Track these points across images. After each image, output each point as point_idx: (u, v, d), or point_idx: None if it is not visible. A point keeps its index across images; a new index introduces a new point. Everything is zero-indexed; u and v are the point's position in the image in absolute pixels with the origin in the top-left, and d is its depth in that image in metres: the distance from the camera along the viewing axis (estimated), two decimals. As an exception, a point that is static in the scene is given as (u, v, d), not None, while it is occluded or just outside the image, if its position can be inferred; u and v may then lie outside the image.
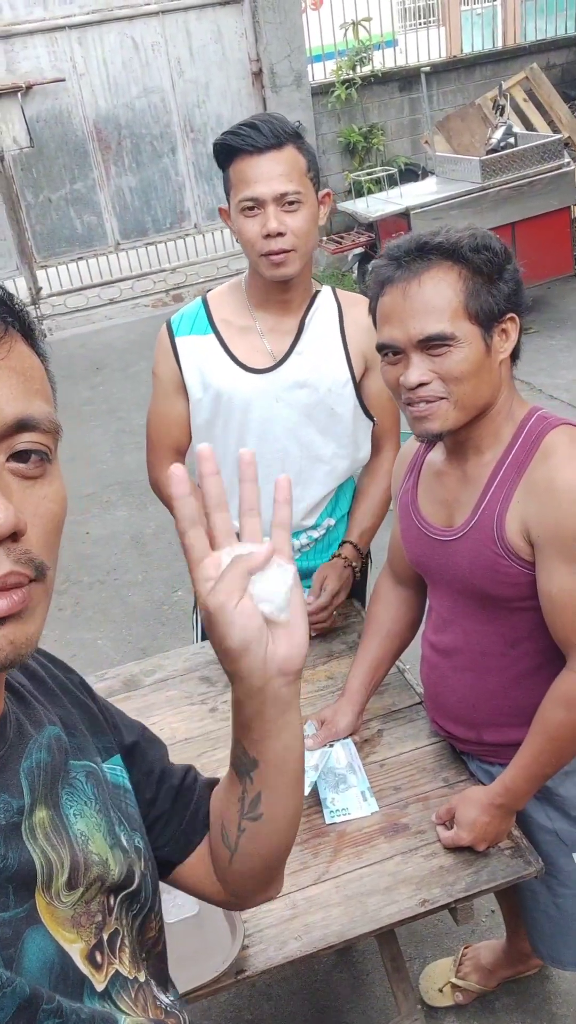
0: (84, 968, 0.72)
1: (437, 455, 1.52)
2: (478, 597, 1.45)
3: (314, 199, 1.75)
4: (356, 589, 2.07)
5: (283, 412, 1.84)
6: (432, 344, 1.30)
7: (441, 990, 2.07)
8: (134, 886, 0.80)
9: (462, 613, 1.50)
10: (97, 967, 0.74)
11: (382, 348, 1.38)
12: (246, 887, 0.92)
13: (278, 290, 1.80)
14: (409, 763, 1.64)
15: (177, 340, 1.87)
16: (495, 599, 1.42)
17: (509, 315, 1.35)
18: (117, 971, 0.76)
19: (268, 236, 1.69)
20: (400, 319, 1.32)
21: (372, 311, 1.41)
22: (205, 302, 1.90)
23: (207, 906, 1.41)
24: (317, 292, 1.89)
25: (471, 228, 1.36)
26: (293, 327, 1.85)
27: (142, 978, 0.80)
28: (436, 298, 1.29)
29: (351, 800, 1.55)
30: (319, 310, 1.87)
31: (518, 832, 1.48)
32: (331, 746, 1.63)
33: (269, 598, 0.75)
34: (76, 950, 0.72)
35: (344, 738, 1.65)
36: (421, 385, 1.32)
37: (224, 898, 0.95)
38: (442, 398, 1.33)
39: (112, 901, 0.78)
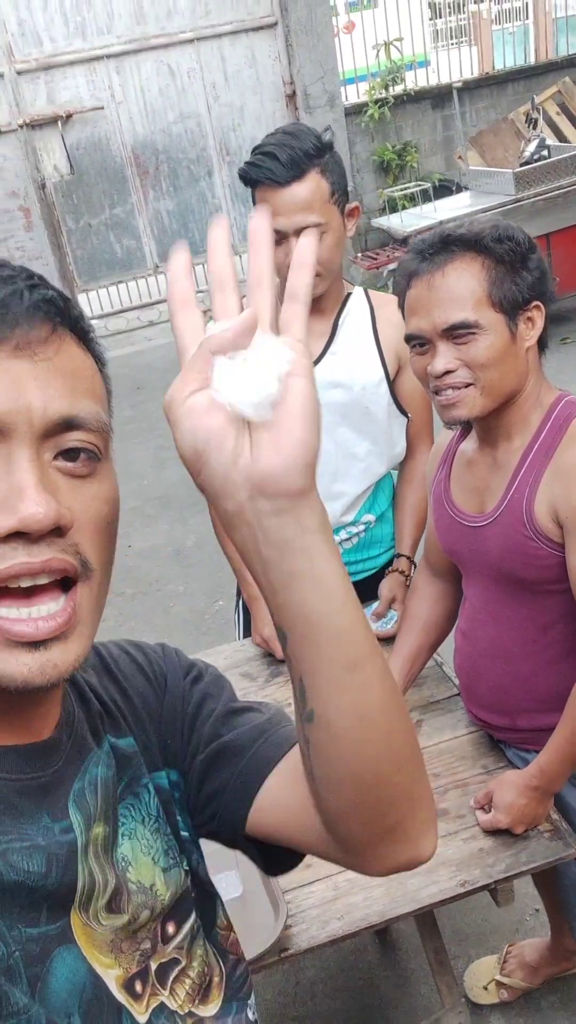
0: (120, 996, 0.68)
1: (468, 445, 1.55)
2: (509, 582, 1.46)
3: (339, 220, 1.76)
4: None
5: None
6: (457, 332, 1.34)
7: (486, 987, 2.08)
8: (187, 911, 0.75)
9: (494, 599, 1.52)
10: (136, 997, 0.69)
11: (410, 339, 1.42)
12: (353, 832, 0.70)
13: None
14: (448, 751, 1.66)
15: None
16: (525, 583, 1.44)
17: (535, 303, 1.37)
18: (163, 1003, 0.71)
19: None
20: (426, 309, 1.36)
21: (400, 306, 1.45)
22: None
23: (251, 887, 1.44)
24: (349, 294, 1.93)
25: (494, 220, 1.40)
26: (327, 329, 1.89)
27: (204, 1013, 0.74)
28: (460, 287, 1.33)
29: None
30: (352, 311, 1.91)
31: (557, 815, 1.49)
32: None
33: (241, 390, 0.57)
34: (112, 976, 0.68)
35: None
36: (448, 373, 1.35)
37: (330, 848, 0.73)
38: (469, 384, 1.36)
39: (170, 929, 0.74)
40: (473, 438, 1.53)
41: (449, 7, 10.73)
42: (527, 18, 10.42)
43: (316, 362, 1.87)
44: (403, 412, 1.96)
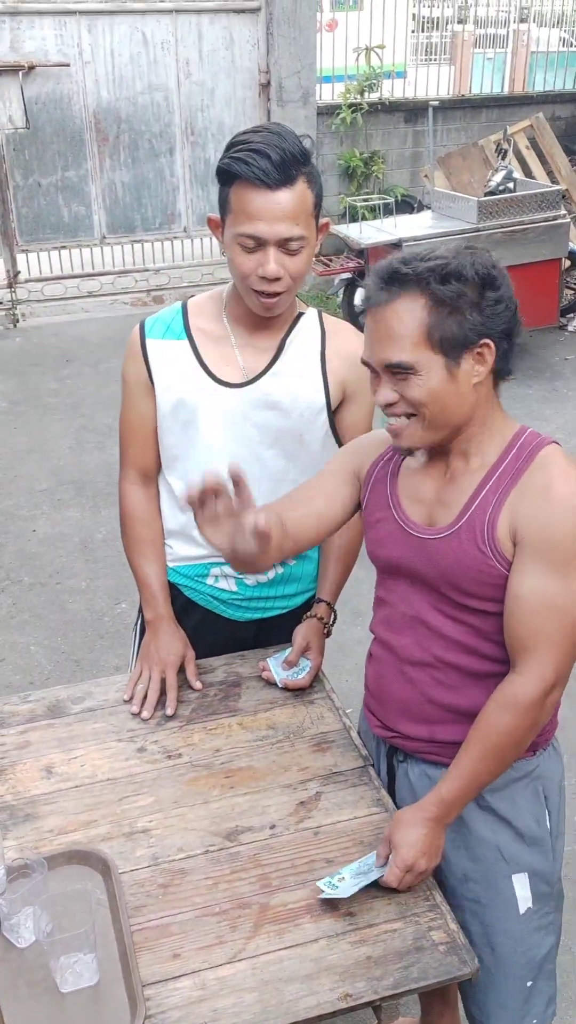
0: None
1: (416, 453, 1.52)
2: (454, 594, 1.44)
3: (315, 236, 1.65)
4: None
5: (249, 432, 1.77)
6: (395, 370, 1.36)
7: None
8: None
9: (428, 608, 1.48)
10: None
11: (365, 363, 1.43)
12: None
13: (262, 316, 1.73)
14: (345, 833, 1.52)
15: (148, 342, 1.78)
16: (472, 598, 1.42)
17: (483, 341, 1.34)
18: None
19: (263, 279, 1.60)
20: (371, 342, 1.39)
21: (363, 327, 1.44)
22: (184, 308, 1.81)
23: (109, 977, 1.28)
24: (301, 313, 1.80)
25: (456, 251, 1.36)
26: (272, 346, 1.76)
27: None
28: (399, 327, 1.34)
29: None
30: (301, 332, 1.78)
31: (455, 925, 1.36)
32: None
33: None
34: None
35: None
36: (389, 405, 1.39)
37: None
38: (411, 415, 1.38)
39: None
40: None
41: (432, 23, 10.67)
42: (506, 47, 10.45)
43: (255, 379, 1.74)
44: (340, 445, 1.83)
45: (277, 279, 1.60)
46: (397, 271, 1.34)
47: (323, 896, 1.38)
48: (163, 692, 1.82)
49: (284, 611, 1.95)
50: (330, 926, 1.36)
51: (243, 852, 1.49)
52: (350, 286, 6.37)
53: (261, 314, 1.70)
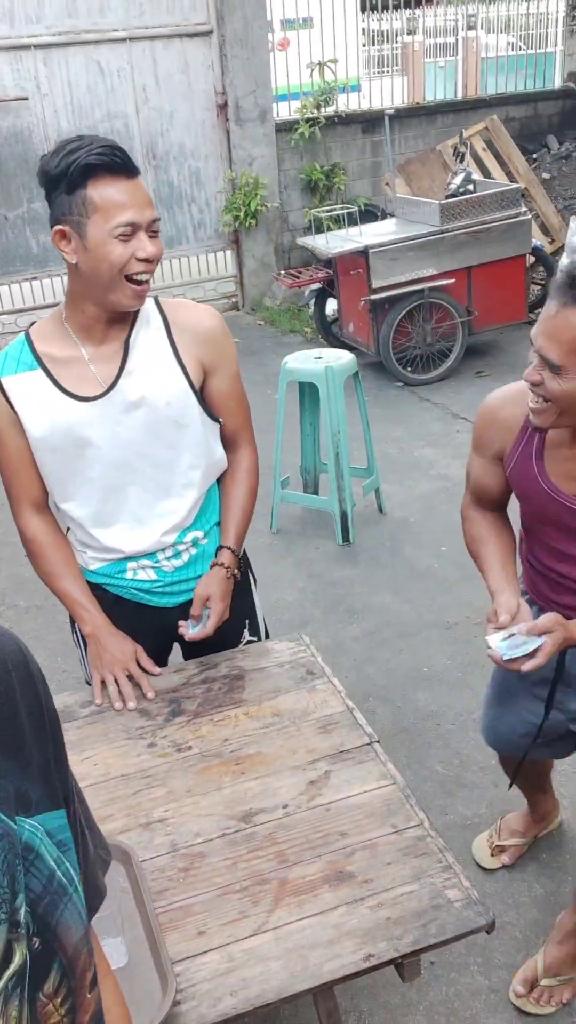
0: None
1: (558, 432, 1.68)
2: None
3: None
4: (246, 608, 2.07)
5: (126, 435, 1.80)
6: (547, 363, 1.53)
7: (492, 854, 2.43)
8: (14, 964, 0.66)
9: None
10: None
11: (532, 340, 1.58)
12: None
13: (106, 317, 1.76)
14: (356, 807, 1.56)
15: (3, 380, 1.79)
16: None
17: None
18: None
19: (143, 261, 1.66)
20: (541, 332, 1.53)
21: None
22: (28, 337, 1.82)
23: (137, 958, 1.32)
24: (138, 308, 1.81)
25: None
26: (119, 349, 1.79)
27: None
28: (564, 332, 1.49)
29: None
30: (143, 326, 1.81)
31: (468, 883, 1.41)
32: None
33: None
34: None
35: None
36: (534, 385, 1.56)
37: None
38: (549, 401, 1.56)
39: None
40: (565, 433, 1.68)
41: (382, 36, 10.85)
42: (457, 54, 10.63)
43: (112, 386, 1.78)
44: (214, 419, 1.90)
45: (153, 260, 1.67)
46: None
47: (490, 652, 1.64)
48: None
49: None
50: (348, 893, 1.40)
51: (259, 832, 1.53)
52: (320, 296, 6.46)
53: (131, 305, 1.72)
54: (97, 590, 1.96)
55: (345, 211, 5.97)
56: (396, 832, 1.51)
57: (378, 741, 1.71)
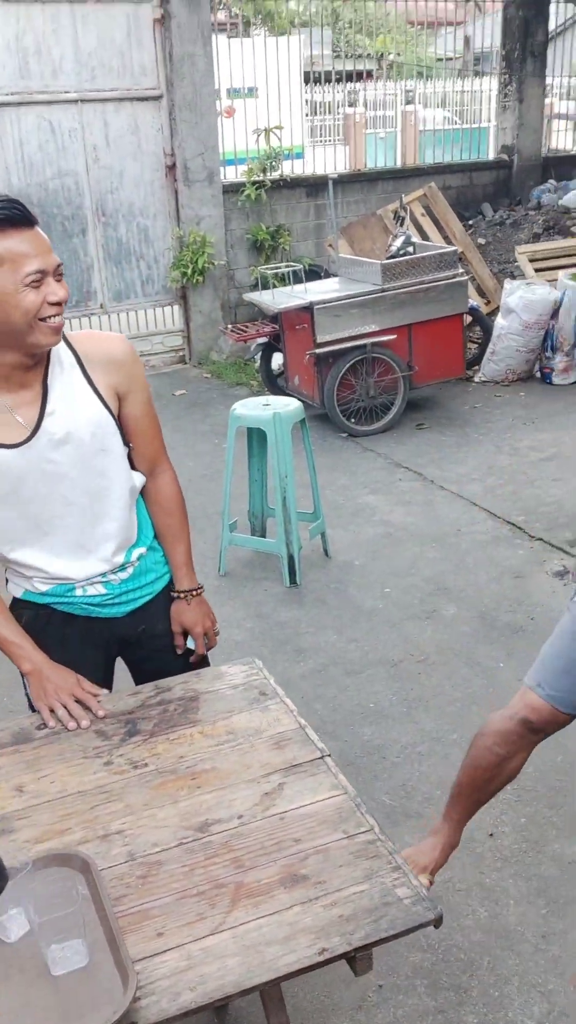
0: None
1: None
2: None
3: None
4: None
5: (59, 471, 1.86)
6: None
7: None
8: None
9: None
10: None
11: None
12: None
13: (24, 363, 1.81)
14: (309, 816, 1.62)
15: None
16: None
17: None
18: None
19: (54, 304, 1.72)
20: None
21: None
22: None
23: (97, 957, 1.35)
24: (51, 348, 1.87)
25: None
26: (37, 392, 1.85)
27: None
28: None
29: None
30: (57, 364, 1.87)
31: (417, 882, 1.48)
32: None
33: None
34: None
35: None
36: None
37: None
38: None
39: None
40: None
41: (325, 107, 11.31)
42: (396, 126, 11.13)
43: (36, 429, 1.83)
44: (126, 443, 1.96)
45: (63, 303, 1.74)
46: None
47: None
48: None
49: (152, 596, 2.09)
50: (303, 894, 1.45)
51: (215, 841, 1.58)
52: (267, 350, 6.63)
53: (50, 343, 1.77)
54: (44, 610, 2.01)
55: (290, 269, 6.18)
56: (348, 837, 1.57)
57: (329, 755, 1.78)
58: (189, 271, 7.47)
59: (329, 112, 11.25)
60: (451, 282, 6.08)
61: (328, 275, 7.27)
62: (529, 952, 2.30)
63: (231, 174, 8.06)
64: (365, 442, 5.90)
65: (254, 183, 7.80)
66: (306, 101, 10.59)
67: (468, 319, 6.55)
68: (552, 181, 9.40)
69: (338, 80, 10.32)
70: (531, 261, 7.56)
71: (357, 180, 8.68)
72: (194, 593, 2.11)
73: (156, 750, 1.83)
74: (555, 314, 6.69)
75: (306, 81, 10.16)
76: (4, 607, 1.99)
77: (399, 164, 9.65)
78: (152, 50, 7.13)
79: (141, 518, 2.06)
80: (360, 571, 4.27)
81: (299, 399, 6.06)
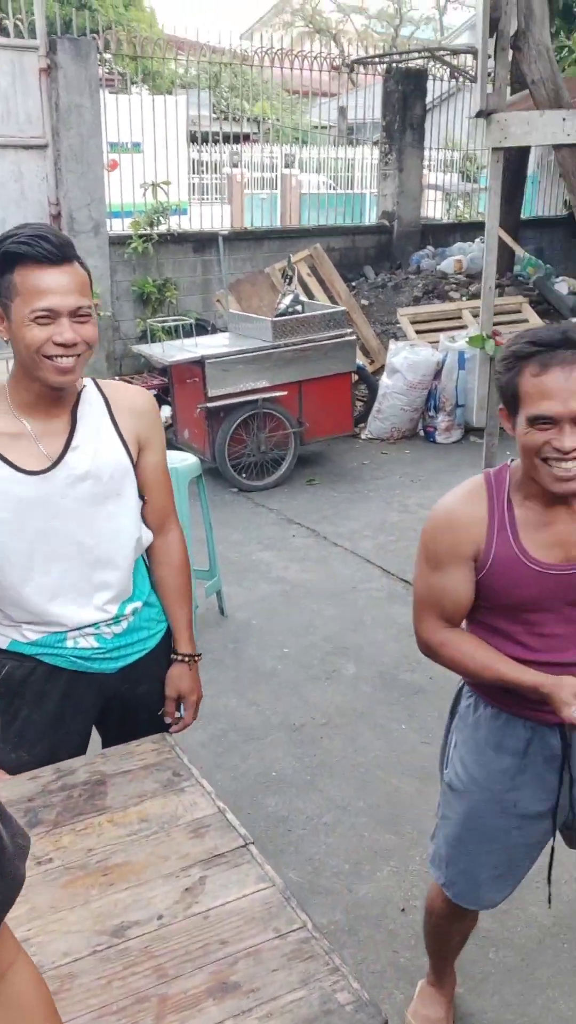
0: None
1: (528, 512, 1.74)
2: None
3: (95, 309, 1.82)
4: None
5: (71, 506, 1.83)
6: None
7: None
8: None
9: None
10: None
11: (536, 419, 1.62)
12: None
13: (52, 394, 1.80)
14: (236, 913, 1.49)
15: None
16: None
17: None
18: None
19: (60, 345, 1.71)
20: (563, 397, 1.59)
21: (514, 386, 1.65)
22: None
23: None
24: (83, 387, 1.89)
25: None
26: (65, 425, 1.84)
27: None
28: None
29: None
30: (87, 402, 1.88)
31: (357, 984, 1.36)
32: None
33: None
34: None
35: None
36: (573, 450, 1.60)
37: None
38: None
39: None
40: (532, 506, 1.74)
41: (208, 166, 11.44)
42: (276, 188, 11.36)
43: (59, 460, 1.81)
44: (140, 496, 1.96)
45: (74, 345, 1.72)
46: None
47: None
48: None
49: (144, 652, 2.02)
50: (235, 1005, 1.32)
51: (133, 946, 1.43)
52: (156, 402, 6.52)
53: (55, 382, 1.75)
54: (29, 662, 1.89)
55: (179, 323, 6.12)
56: (279, 936, 1.44)
57: (253, 843, 1.65)
58: (73, 321, 7.31)
59: (211, 171, 11.38)
60: (340, 341, 6.15)
61: (215, 330, 7.25)
62: (449, 1035, 2.20)
63: (116, 226, 7.98)
64: (257, 497, 5.84)
65: (141, 236, 7.75)
66: (191, 159, 10.67)
67: (355, 377, 6.63)
68: (430, 247, 9.74)
69: (220, 141, 10.45)
70: (412, 323, 7.76)
71: (244, 238, 8.76)
72: (196, 658, 2.08)
73: (61, 843, 1.66)
74: (438, 375, 6.87)
75: (191, 140, 10.24)
76: None
77: (279, 224, 9.79)
78: (38, 99, 7.02)
79: (139, 573, 1.99)
80: (258, 631, 4.17)
81: (189, 452, 6.01)
